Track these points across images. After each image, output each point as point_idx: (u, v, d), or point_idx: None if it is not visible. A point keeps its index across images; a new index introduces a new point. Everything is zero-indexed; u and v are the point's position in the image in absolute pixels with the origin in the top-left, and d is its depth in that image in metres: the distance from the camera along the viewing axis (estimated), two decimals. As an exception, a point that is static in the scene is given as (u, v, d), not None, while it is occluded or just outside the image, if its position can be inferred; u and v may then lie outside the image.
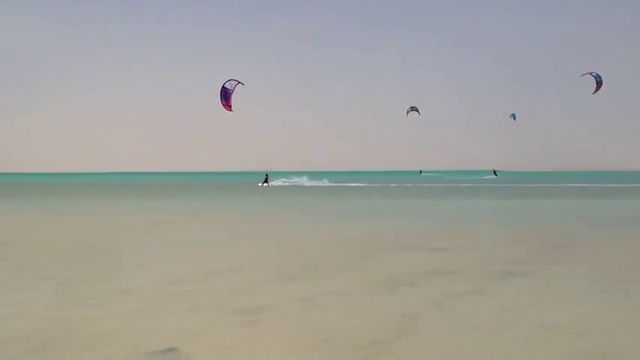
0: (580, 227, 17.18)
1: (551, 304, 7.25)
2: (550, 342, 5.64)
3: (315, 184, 69.13)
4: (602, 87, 37.03)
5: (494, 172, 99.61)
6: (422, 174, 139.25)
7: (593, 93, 37.48)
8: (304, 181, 78.32)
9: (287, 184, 73.08)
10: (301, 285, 8.53)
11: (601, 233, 15.38)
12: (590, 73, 36.93)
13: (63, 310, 6.99)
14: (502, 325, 6.22)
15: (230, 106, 20.99)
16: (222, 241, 14.37)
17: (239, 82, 20.79)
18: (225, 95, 20.75)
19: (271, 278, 9.09)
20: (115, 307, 7.09)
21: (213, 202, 33.28)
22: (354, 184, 67.76)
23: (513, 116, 61.91)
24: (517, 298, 7.56)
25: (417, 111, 44.78)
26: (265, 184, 67.71)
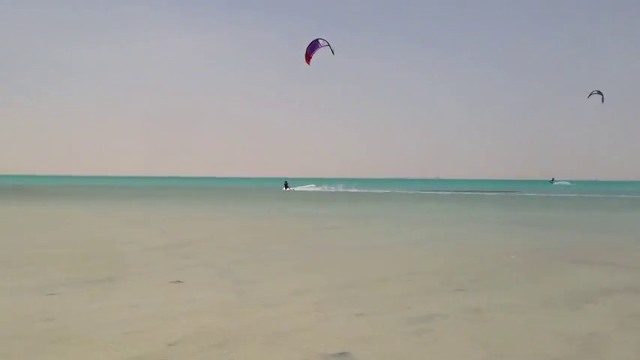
0: None
1: None
2: None
3: (368, 191, 68.04)
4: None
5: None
6: (554, 183, 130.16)
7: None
8: (336, 187, 78.42)
9: (319, 189, 74.47)
10: (470, 296, 8.34)
11: None
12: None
13: (242, 307, 7.41)
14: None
15: (310, 59, 20.53)
16: (387, 247, 14.51)
17: (330, 46, 20.33)
18: (313, 47, 20.31)
19: (439, 287, 8.99)
20: (289, 308, 7.39)
21: (361, 209, 33.66)
22: (447, 192, 65.31)
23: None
24: None
25: (602, 96, 41.69)
26: (287, 189, 69.30)
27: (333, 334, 6.20)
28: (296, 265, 11.21)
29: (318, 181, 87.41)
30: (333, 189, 76.34)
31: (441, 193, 66.46)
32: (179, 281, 9.16)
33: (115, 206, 33.10)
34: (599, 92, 35.56)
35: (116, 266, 10.65)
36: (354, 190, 71.98)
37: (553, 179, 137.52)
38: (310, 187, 78.52)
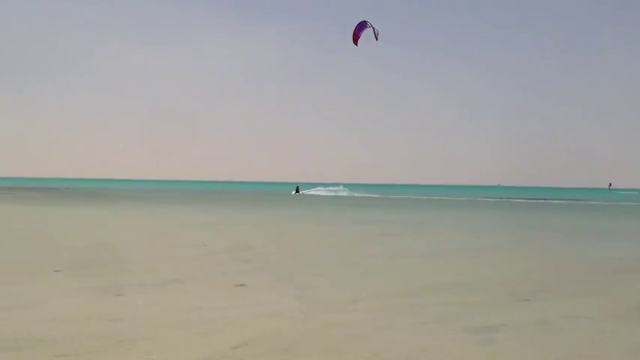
0: None
1: None
2: None
3: (396, 197, 66.91)
4: None
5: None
6: (611, 189, 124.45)
7: None
8: (346, 191, 78.59)
9: (332, 193, 74.97)
10: (536, 306, 8.14)
11: None
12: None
13: (304, 313, 7.45)
14: None
15: (358, 39, 20.01)
16: (447, 254, 14.35)
17: (375, 30, 19.80)
18: (361, 27, 19.87)
19: (502, 297, 8.81)
20: (350, 315, 7.38)
21: (413, 215, 33.34)
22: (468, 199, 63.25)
23: None
24: None
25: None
26: (297, 194, 70.25)
27: (395, 342, 6.16)
28: (356, 272, 11.20)
29: (324, 185, 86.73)
30: (356, 194, 76.77)
31: (493, 200, 65.00)
32: (242, 285, 9.30)
33: (171, 210, 33.86)
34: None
35: (181, 269, 10.90)
36: (377, 196, 71.95)
37: (610, 185, 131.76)
38: (320, 191, 78.90)
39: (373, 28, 19.39)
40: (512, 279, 10.58)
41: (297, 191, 74.26)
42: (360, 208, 41.96)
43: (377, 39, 19.46)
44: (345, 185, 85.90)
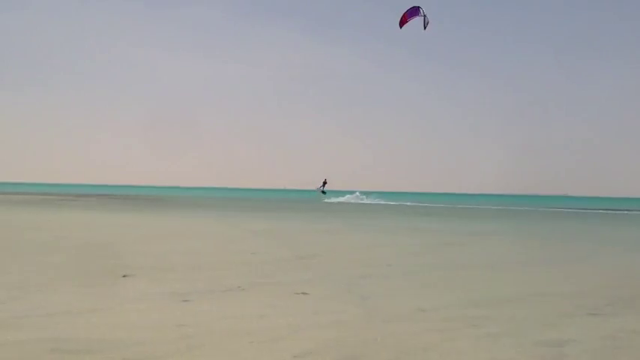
0: None
1: None
2: None
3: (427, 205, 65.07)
4: None
5: None
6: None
7: None
8: (370, 199, 77.13)
9: (359, 201, 74.73)
10: (607, 320, 7.84)
11: None
12: None
13: (367, 322, 7.41)
14: None
15: (404, 24, 19.21)
16: (514, 265, 14.04)
17: (426, 18, 19.00)
18: (412, 13, 19.10)
19: (572, 310, 8.52)
20: (415, 325, 7.29)
21: (473, 225, 32.67)
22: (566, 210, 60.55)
23: None
24: None
25: None
26: (320, 188, 69.26)
27: (461, 355, 6.05)
28: (420, 282, 11.07)
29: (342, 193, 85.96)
30: (382, 201, 76.14)
31: (551, 210, 63.14)
32: (305, 293, 9.33)
33: (234, 217, 34.37)
34: None
35: (245, 276, 11.03)
36: (409, 204, 71.19)
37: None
38: (349, 198, 78.06)
39: (425, 16, 18.84)
40: (581, 292, 10.24)
41: (323, 187, 74.17)
42: (408, 216, 41.59)
43: (425, 28, 18.92)
44: (362, 192, 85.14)
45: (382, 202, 74.29)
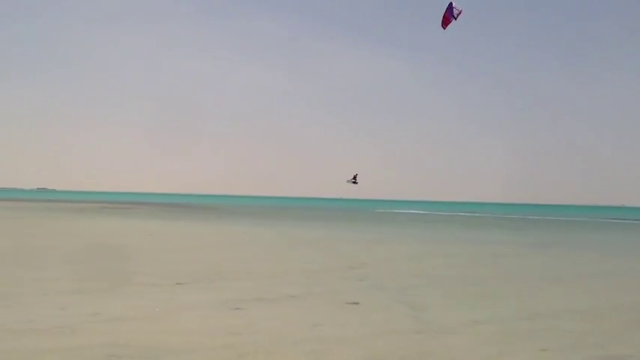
0: None
1: None
2: None
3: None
4: None
5: None
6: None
7: None
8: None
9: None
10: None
11: None
12: None
13: (419, 334, 7.31)
14: None
15: (449, 23, 18.86)
16: (573, 277, 13.72)
17: (457, 9, 18.55)
18: (450, 10, 18.74)
19: (631, 324, 8.29)
20: (468, 338, 7.16)
21: (525, 236, 32.06)
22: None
23: None
24: None
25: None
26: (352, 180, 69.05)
27: (517, 368, 5.92)
28: (472, 293, 10.89)
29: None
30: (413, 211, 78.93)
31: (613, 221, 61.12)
32: (355, 303, 9.30)
33: (282, 226, 34.59)
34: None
35: (296, 284, 11.06)
36: (444, 213, 71.50)
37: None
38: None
39: (455, 8, 18.52)
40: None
41: (355, 179, 74.76)
42: (452, 226, 41.22)
43: (456, 18, 18.56)
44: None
45: (420, 212, 75.49)
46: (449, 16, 18.35)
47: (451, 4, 18.36)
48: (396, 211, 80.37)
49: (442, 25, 18.42)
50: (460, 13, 18.30)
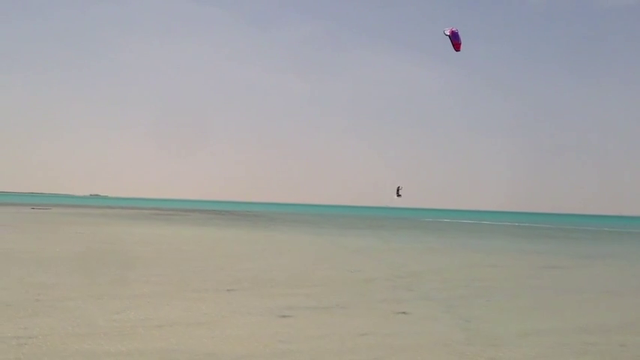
0: None
1: None
2: None
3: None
4: None
5: None
6: None
7: None
8: None
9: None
10: None
11: None
12: None
13: (469, 345, 7.24)
14: None
15: (460, 45, 19.34)
16: (629, 291, 13.39)
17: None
18: (455, 35, 19.26)
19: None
20: (520, 351, 7.05)
21: (576, 247, 31.26)
22: None
23: None
24: None
25: None
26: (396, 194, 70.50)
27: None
28: (525, 305, 10.73)
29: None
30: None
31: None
32: (404, 312, 9.27)
33: (328, 234, 34.62)
34: None
35: (344, 293, 11.09)
36: (468, 222, 71.70)
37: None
38: None
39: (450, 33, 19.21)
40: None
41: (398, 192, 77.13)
42: (501, 235, 40.59)
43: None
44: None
45: (466, 221, 75.59)
46: (457, 42, 19.06)
47: (451, 34, 19.15)
48: (442, 220, 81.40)
49: (456, 50, 19.02)
50: (453, 33, 19.13)
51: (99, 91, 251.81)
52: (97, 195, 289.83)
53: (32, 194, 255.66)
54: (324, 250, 22.79)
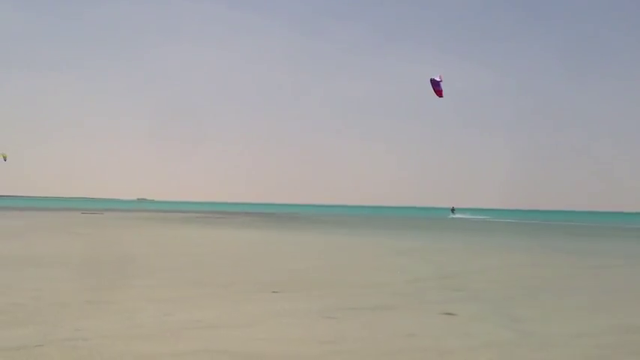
0: None
1: None
2: None
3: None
4: None
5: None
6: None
7: None
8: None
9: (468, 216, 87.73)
10: None
11: None
12: None
13: (521, 347, 7.07)
14: None
15: (441, 92, 20.14)
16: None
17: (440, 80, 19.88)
18: (435, 83, 20.18)
19: None
20: (574, 352, 6.87)
21: (624, 246, 30.52)
22: None
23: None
24: None
25: None
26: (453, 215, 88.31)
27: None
28: (573, 305, 10.47)
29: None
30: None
31: None
32: (451, 314, 9.14)
33: (372, 235, 34.52)
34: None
35: (390, 294, 11.01)
36: (512, 220, 72.82)
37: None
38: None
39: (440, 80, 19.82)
40: None
41: (453, 211, 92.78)
42: (540, 234, 39.80)
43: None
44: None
45: (492, 219, 76.91)
46: (439, 90, 19.78)
47: (433, 80, 19.81)
48: (470, 217, 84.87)
49: (438, 96, 19.83)
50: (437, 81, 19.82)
51: (141, 98, 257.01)
52: (143, 199, 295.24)
53: (80, 199, 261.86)
54: (369, 250, 22.77)
